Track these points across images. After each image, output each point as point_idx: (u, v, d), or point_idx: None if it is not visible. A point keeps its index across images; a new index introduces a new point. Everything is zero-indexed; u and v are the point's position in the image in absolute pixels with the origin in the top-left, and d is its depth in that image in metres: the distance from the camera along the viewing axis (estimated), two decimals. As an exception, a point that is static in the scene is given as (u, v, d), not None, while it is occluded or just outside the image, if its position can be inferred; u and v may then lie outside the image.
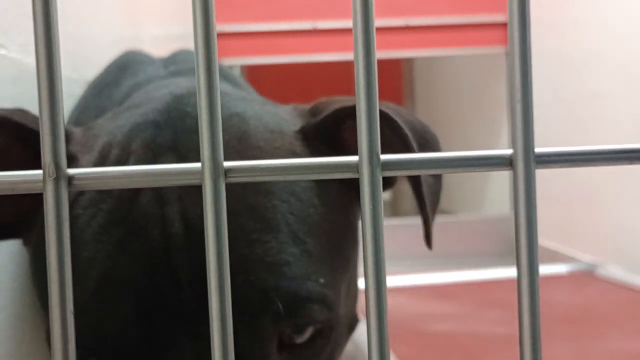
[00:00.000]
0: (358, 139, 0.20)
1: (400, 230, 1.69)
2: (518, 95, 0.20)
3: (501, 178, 2.04)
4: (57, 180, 0.20)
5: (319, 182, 0.42)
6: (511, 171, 0.21)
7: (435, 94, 2.75)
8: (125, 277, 0.36)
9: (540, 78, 1.69)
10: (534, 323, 0.19)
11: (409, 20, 1.96)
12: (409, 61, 2.84)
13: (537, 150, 0.20)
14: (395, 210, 2.57)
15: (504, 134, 2.06)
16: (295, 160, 0.21)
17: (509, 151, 0.21)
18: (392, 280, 1.28)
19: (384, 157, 0.20)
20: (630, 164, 0.21)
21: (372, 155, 0.20)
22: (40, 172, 0.20)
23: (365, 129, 0.20)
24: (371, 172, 0.20)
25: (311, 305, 0.38)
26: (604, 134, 1.45)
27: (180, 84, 0.49)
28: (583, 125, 1.55)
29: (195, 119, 0.41)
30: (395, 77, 2.88)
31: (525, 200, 0.20)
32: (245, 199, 0.38)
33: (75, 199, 0.39)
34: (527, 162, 0.20)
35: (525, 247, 0.20)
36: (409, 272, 1.41)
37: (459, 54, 2.04)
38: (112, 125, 0.42)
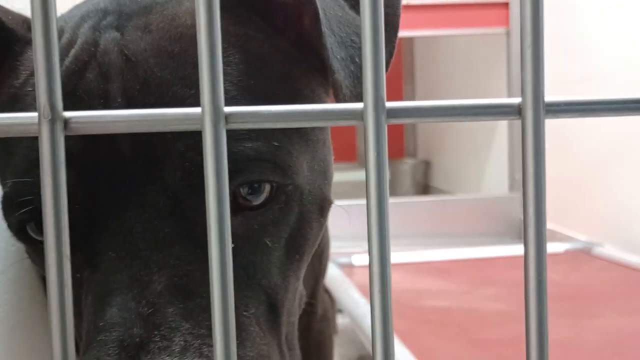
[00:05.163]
0: (363, 84, 0.20)
1: (398, 208, 1.69)
2: (528, 40, 0.19)
3: (500, 158, 2.03)
4: (52, 122, 0.19)
5: (261, 56, 0.42)
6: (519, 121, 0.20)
7: (435, 74, 2.73)
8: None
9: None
10: (539, 271, 0.19)
11: (409, -1, 1.94)
12: (409, 41, 2.81)
13: (547, 99, 0.20)
14: (392, 190, 2.57)
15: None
16: (297, 106, 0.20)
17: (518, 99, 0.20)
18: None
19: (389, 104, 0.20)
20: (642, 115, 0.21)
21: (378, 102, 0.20)
22: (35, 114, 0.19)
23: (370, 74, 0.19)
24: (376, 119, 0.20)
25: (261, 163, 0.38)
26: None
27: None
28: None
29: (138, 3, 0.43)
30: (394, 56, 2.84)
31: (534, 152, 0.20)
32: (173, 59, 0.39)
33: (22, 63, 0.42)
34: (536, 111, 0.20)
35: (532, 199, 0.20)
36: (405, 250, 1.41)
37: (459, 34, 2.01)
38: (68, 15, 0.45)
